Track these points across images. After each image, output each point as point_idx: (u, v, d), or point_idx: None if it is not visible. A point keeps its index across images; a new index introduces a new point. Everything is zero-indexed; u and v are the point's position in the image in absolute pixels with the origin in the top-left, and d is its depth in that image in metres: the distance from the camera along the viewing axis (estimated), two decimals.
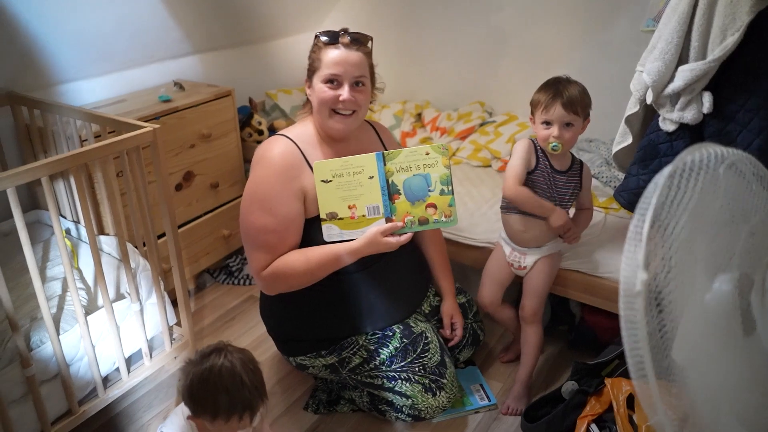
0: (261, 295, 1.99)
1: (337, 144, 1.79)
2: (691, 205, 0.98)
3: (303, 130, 1.79)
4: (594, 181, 2.35)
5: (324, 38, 1.68)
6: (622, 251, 2.04)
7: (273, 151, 1.72)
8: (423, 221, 1.66)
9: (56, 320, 1.68)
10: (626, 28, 2.54)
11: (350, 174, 1.61)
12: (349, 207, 1.64)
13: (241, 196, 2.65)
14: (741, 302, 1.05)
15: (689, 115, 1.57)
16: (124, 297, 1.84)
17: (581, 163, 1.91)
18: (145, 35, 2.45)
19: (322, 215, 1.65)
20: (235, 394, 1.35)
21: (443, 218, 1.65)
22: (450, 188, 1.64)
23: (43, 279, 1.82)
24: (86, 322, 1.66)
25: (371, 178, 1.62)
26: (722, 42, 1.47)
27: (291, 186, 1.69)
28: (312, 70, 1.72)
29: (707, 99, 1.55)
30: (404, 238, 1.65)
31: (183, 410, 1.45)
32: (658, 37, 1.61)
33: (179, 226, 2.38)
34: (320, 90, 1.68)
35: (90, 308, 1.76)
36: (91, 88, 2.38)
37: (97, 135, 1.93)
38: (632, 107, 1.74)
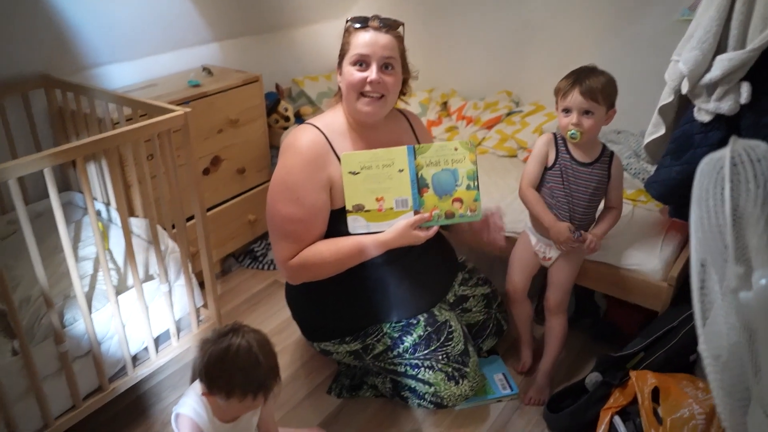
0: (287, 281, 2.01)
1: (367, 132, 1.78)
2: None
3: (332, 119, 1.78)
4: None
5: (355, 23, 1.68)
6: (649, 244, 2.03)
7: (301, 140, 1.72)
8: (449, 215, 1.67)
9: (88, 299, 1.71)
10: (657, 19, 2.50)
11: (379, 167, 1.61)
12: (377, 199, 1.64)
13: (267, 181, 2.69)
14: None
15: (726, 106, 1.54)
16: (152, 278, 1.87)
17: (612, 154, 1.86)
18: (175, 21, 2.47)
19: (348, 207, 1.65)
20: (250, 373, 1.37)
21: (468, 213, 1.67)
22: (476, 183, 1.65)
23: (75, 259, 1.85)
24: (117, 301, 1.70)
25: (401, 171, 1.62)
26: (763, 31, 1.43)
27: (318, 176, 1.69)
28: (342, 55, 1.71)
29: (745, 89, 1.52)
30: (432, 231, 1.66)
31: (196, 389, 1.47)
32: (695, 26, 1.58)
33: (206, 211, 2.40)
34: (348, 73, 1.67)
35: (120, 288, 1.79)
36: (123, 72, 2.41)
37: (129, 118, 1.95)
38: (666, 97, 1.71)
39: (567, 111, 1.76)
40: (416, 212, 1.66)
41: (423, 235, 1.65)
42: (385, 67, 1.66)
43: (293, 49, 3.19)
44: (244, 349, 1.38)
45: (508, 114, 2.88)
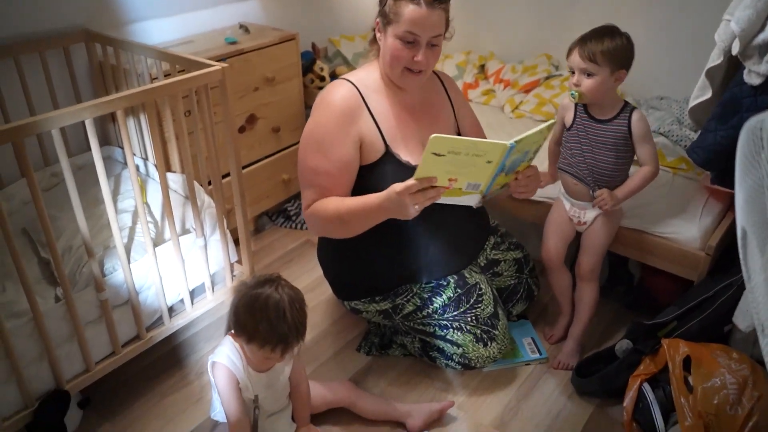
0: (319, 239, 2.03)
1: (401, 92, 1.77)
2: None
3: (367, 74, 1.77)
4: (663, 140, 2.27)
5: None
6: (688, 212, 1.99)
7: (334, 94, 1.72)
8: (504, 185, 1.65)
9: (127, 250, 1.76)
10: None
11: (469, 155, 1.45)
12: (450, 180, 1.50)
13: None
14: None
15: None
16: (189, 232, 1.91)
17: (633, 110, 1.80)
18: None
19: (416, 176, 1.47)
20: (275, 325, 1.40)
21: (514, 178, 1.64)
22: (534, 155, 1.63)
23: (115, 211, 1.90)
24: (154, 252, 1.74)
25: (489, 162, 1.49)
26: None
27: (348, 130, 1.69)
28: (387, 20, 1.64)
29: None
30: (419, 208, 1.51)
31: (230, 338, 1.53)
32: None
33: (242, 168, 2.43)
34: (395, 46, 1.63)
35: (157, 241, 1.83)
36: (160, 27, 2.42)
37: (167, 74, 1.97)
38: (715, 59, 1.64)
39: (572, 71, 1.78)
40: (484, 197, 1.59)
41: (411, 211, 1.50)
42: (432, 45, 1.64)
43: (330, 8, 3.15)
44: (274, 301, 1.42)
45: (547, 78, 2.82)
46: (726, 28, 1.57)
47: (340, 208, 1.66)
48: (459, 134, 1.91)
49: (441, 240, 1.84)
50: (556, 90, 2.68)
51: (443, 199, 1.54)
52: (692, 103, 1.77)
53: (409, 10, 1.57)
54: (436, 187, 1.48)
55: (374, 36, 1.74)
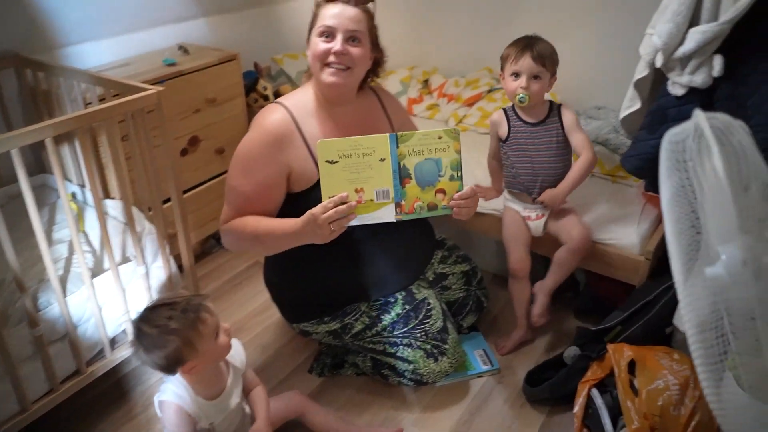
0: (265, 261, 2.00)
1: (335, 109, 1.76)
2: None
3: (301, 97, 1.77)
4: (601, 148, 2.33)
5: None
6: (627, 219, 2.04)
7: (267, 119, 1.72)
8: (432, 207, 1.59)
9: (63, 282, 1.69)
10: None
11: (359, 155, 1.50)
12: (356, 190, 1.53)
13: None
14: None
15: (699, 79, 1.54)
16: (130, 260, 1.85)
17: (559, 107, 1.92)
18: None
19: (325, 198, 1.53)
20: (174, 313, 1.37)
21: (451, 203, 1.60)
22: (459, 174, 1.58)
23: (50, 242, 1.83)
24: (92, 283, 1.68)
25: (382, 160, 1.52)
26: (735, 2, 1.43)
27: (276, 157, 1.68)
28: (310, 29, 1.69)
29: (718, 62, 1.52)
30: (337, 233, 1.54)
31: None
32: None
33: (185, 191, 2.38)
34: (314, 44, 1.66)
35: (96, 271, 1.77)
36: (95, 51, 2.36)
37: (102, 98, 1.92)
38: (641, 71, 1.71)
39: (516, 75, 1.84)
40: (398, 204, 1.58)
41: (327, 233, 1.51)
42: (351, 39, 1.64)
43: (273, 27, 3.14)
44: (153, 305, 1.42)
45: (489, 91, 2.86)
46: (649, 42, 1.63)
47: (258, 228, 1.66)
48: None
49: (387, 256, 1.84)
50: (498, 103, 2.73)
51: (359, 220, 1.55)
52: (623, 114, 1.84)
53: (326, 8, 1.65)
54: (348, 203, 1.51)
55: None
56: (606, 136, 2.35)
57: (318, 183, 1.61)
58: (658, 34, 1.56)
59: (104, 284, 1.74)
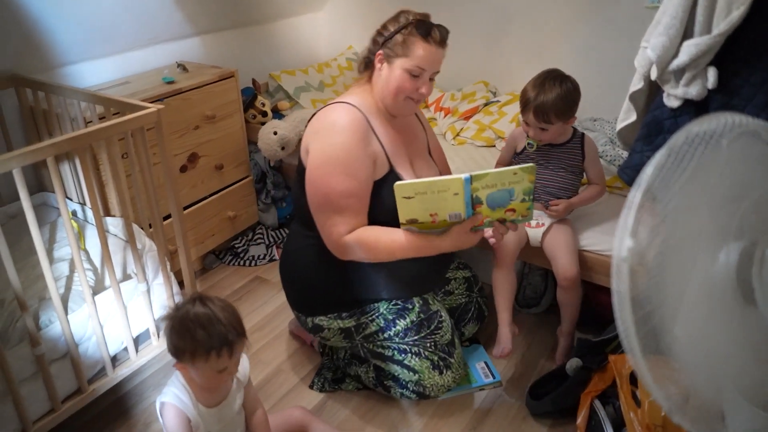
0: (284, 254, 2.00)
1: (390, 117, 1.83)
2: (689, 179, 0.98)
3: (362, 101, 1.78)
4: None
5: (419, 30, 1.68)
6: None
7: (345, 118, 1.72)
8: (501, 220, 1.64)
9: (64, 300, 1.69)
10: (630, 5, 2.52)
11: (434, 192, 1.54)
12: (431, 215, 1.59)
13: (246, 177, 2.68)
14: (743, 275, 1.05)
15: (694, 91, 1.56)
16: (131, 277, 1.86)
17: (583, 135, 1.96)
18: (147, 16, 2.45)
19: (402, 221, 1.62)
20: (210, 329, 1.37)
21: (520, 217, 1.62)
22: (531, 197, 1.58)
23: (51, 260, 1.84)
24: (94, 301, 1.68)
25: (456, 194, 1.55)
26: (728, 16, 1.45)
27: (367, 151, 1.72)
28: (394, 53, 1.70)
29: (712, 74, 1.54)
30: (485, 233, 1.69)
31: (177, 375, 1.48)
32: (662, 12, 1.59)
33: (185, 208, 2.39)
34: (402, 78, 1.70)
35: (97, 288, 1.77)
36: (95, 70, 2.38)
37: (102, 117, 1.93)
38: (636, 84, 1.73)
39: (527, 122, 1.91)
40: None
41: (476, 237, 1.65)
42: (430, 79, 1.74)
43: (269, 44, 3.17)
44: (202, 312, 1.40)
45: (486, 104, 2.89)
46: (643, 55, 1.65)
47: (395, 243, 1.68)
48: (429, 151, 1.99)
49: (411, 261, 1.83)
50: (495, 116, 2.75)
51: (434, 233, 1.65)
52: (619, 125, 1.85)
53: (420, 47, 1.67)
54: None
55: (364, 63, 1.79)
56: (602, 147, 2.37)
57: (387, 175, 1.75)
58: (651, 47, 1.58)
59: (106, 302, 1.74)
